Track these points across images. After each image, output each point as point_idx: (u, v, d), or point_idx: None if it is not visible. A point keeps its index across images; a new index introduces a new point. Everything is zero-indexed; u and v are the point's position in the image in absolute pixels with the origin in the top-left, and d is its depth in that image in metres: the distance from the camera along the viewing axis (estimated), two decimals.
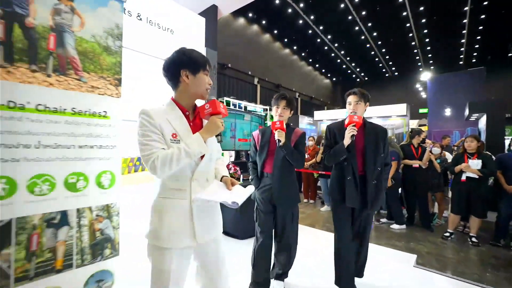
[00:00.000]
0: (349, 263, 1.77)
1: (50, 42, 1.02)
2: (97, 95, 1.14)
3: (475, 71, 7.21)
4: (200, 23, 2.87)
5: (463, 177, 3.08)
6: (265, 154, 1.76)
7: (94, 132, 1.13)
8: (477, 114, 4.94)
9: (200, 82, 0.99)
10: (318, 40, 15.67)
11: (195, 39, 2.77)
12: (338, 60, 18.98)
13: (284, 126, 1.67)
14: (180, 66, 0.97)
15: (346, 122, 1.66)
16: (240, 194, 0.96)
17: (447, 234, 3.22)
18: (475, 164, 3.00)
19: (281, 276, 1.91)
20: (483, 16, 12.94)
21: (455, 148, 4.73)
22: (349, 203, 1.69)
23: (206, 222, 1.01)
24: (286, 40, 16.03)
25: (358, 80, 23.18)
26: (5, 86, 0.91)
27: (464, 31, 14.07)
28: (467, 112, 5.03)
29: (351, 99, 1.75)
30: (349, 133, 1.61)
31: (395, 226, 3.56)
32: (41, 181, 1.00)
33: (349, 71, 21.51)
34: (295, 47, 17.10)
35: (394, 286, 2.02)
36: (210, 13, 3.95)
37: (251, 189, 1.01)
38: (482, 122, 4.88)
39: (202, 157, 0.99)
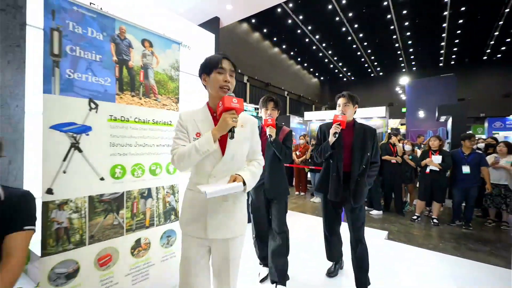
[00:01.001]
0: (336, 243, 2.16)
1: (141, 76, 1.60)
2: (166, 110, 1.73)
3: (447, 77, 8.30)
4: (210, 38, 3.45)
5: (428, 170, 3.89)
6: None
7: (164, 135, 1.72)
8: (445, 116, 5.86)
9: (213, 82, 1.06)
10: (307, 40, 16.48)
11: (207, 52, 3.35)
12: (326, 60, 19.95)
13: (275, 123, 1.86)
14: (200, 72, 1.11)
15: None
16: (220, 187, 0.97)
17: (415, 217, 4.04)
18: (437, 159, 3.81)
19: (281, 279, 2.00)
20: (461, 21, 14.21)
21: (422, 146, 5.62)
22: (330, 196, 1.91)
23: (219, 220, 1.07)
24: (275, 39, 16.71)
25: (345, 79, 24.38)
26: (119, 107, 1.49)
27: (443, 35, 15.38)
28: (437, 114, 5.94)
29: (340, 101, 1.94)
30: (333, 130, 1.81)
31: (374, 212, 4.33)
32: (138, 168, 1.57)
33: (336, 71, 22.60)
34: (284, 46, 17.83)
35: (370, 253, 2.72)
36: (213, 24, 4.51)
37: (234, 187, 1.00)
38: (449, 123, 5.80)
39: (223, 154, 1.05)
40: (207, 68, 1.07)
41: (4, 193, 0.93)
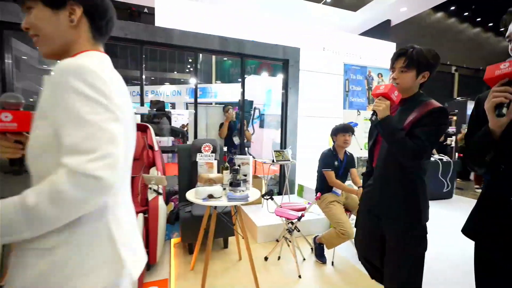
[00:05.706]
0: None
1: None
2: None
3: None
4: (391, 47, 4.94)
5: None
6: (373, 140, 1.44)
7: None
8: None
9: None
10: None
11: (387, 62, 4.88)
12: None
13: (395, 94, 1.22)
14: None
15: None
16: None
17: None
18: None
19: None
20: None
21: None
22: (494, 247, 0.99)
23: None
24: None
25: None
26: (368, 113, 3.34)
27: None
28: None
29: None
30: (492, 103, 0.93)
31: None
32: None
33: None
34: (452, 8, 16.06)
35: None
36: (383, 26, 5.88)
37: None
38: None
39: None
40: None
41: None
